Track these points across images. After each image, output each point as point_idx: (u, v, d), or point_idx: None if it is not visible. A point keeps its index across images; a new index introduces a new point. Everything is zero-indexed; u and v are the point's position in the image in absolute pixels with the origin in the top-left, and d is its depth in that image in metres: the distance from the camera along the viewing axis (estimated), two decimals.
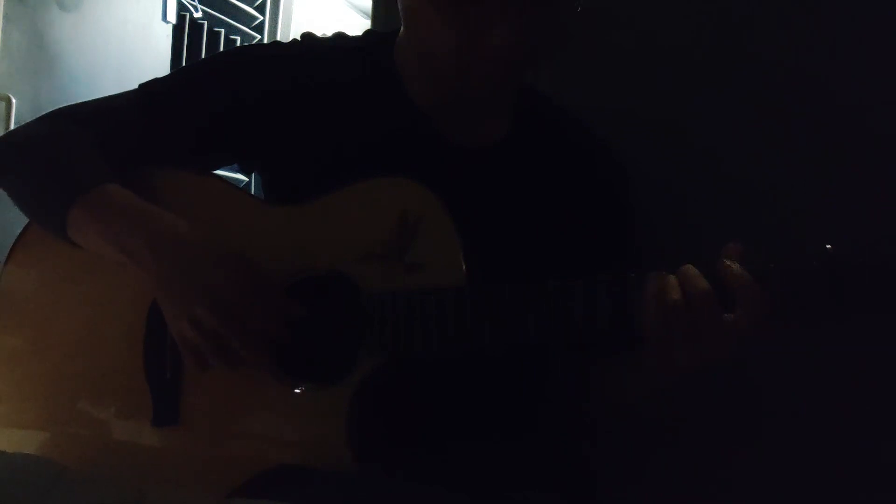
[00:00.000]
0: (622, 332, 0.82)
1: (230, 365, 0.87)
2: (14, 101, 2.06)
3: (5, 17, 2.07)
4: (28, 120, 1.06)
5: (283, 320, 0.88)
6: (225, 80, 1.01)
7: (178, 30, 2.79)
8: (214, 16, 3.08)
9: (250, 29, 3.29)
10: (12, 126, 2.06)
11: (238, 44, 3.21)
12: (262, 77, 1.00)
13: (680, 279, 0.79)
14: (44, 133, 1.01)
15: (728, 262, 0.79)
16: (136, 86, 1.04)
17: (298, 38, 1.07)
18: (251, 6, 3.29)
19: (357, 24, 3.75)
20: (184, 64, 2.82)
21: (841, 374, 1.14)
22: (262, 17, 3.33)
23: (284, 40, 1.12)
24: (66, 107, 1.04)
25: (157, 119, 1.00)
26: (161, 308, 0.89)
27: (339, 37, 1.08)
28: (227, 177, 2.60)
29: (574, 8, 0.92)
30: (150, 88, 1.03)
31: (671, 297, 0.78)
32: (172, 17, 2.73)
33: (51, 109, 1.05)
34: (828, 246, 0.79)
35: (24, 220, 1.02)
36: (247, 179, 2.97)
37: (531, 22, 0.87)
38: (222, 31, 3.06)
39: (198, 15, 2.93)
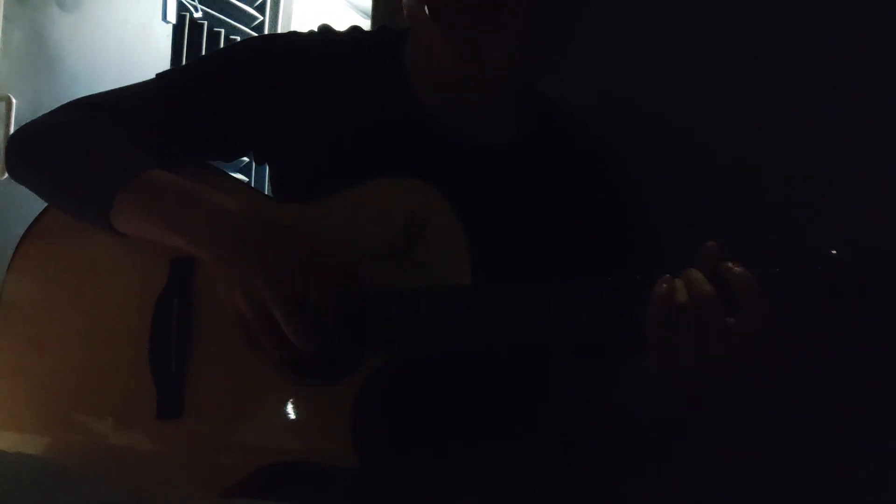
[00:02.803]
0: (625, 334, 0.82)
1: (275, 347, 0.84)
2: (14, 101, 2.06)
3: (5, 17, 2.07)
4: (27, 120, 1.06)
5: (335, 305, 0.85)
6: (241, 70, 1.02)
7: (178, 30, 2.78)
8: (214, 16, 3.08)
9: (250, 29, 3.29)
10: (12, 126, 2.06)
11: None
12: (276, 67, 1.00)
13: (685, 282, 0.79)
14: (70, 123, 1.00)
15: (730, 265, 0.79)
16: (146, 80, 1.05)
17: (316, 30, 1.08)
18: (251, 6, 3.29)
19: (357, 24, 3.73)
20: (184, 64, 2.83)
21: (841, 374, 1.14)
22: (262, 17, 3.32)
23: None
24: (82, 98, 1.04)
25: (175, 109, 1.00)
26: (220, 283, 0.86)
27: (355, 30, 1.09)
28: None
29: (572, 31, 0.93)
30: (168, 79, 1.04)
31: (678, 299, 0.78)
32: (172, 17, 2.72)
33: (50, 109, 1.05)
34: (833, 251, 0.79)
35: (26, 221, 1.02)
36: (247, 180, 2.97)
37: (530, 45, 0.89)
38: (222, 31, 3.06)
39: (198, 15, 2.93)
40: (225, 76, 1.02)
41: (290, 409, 0.90)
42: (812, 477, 1.14)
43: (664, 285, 0.79)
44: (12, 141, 1.04)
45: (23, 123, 1.07)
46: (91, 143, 0.97)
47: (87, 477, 0.88)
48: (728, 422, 1.18)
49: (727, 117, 1.23)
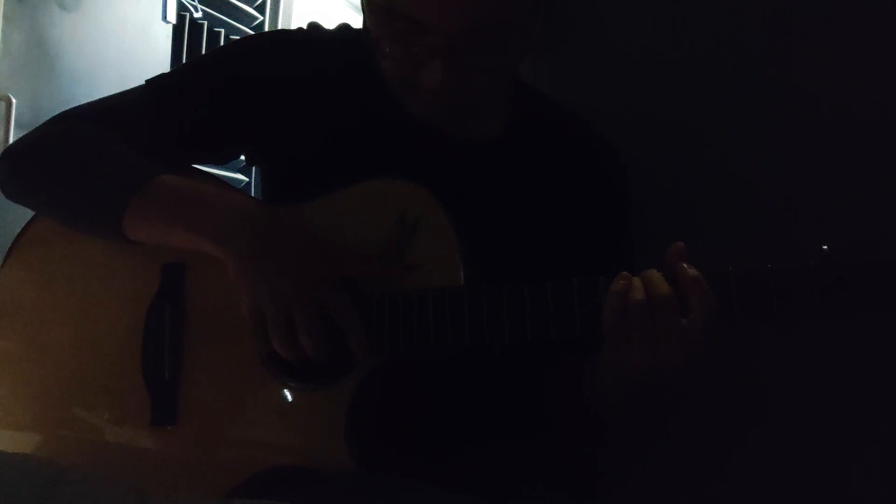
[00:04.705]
0: (593, 334, 0.83)
1: (288, 349, 0.84)
2: (14, 101, 2.05)
3: (5, 17, 2.07)
4: (27, 120, 1.06)
5: (355, 311, 0.85)
6: (229, 69, 1.02)
7: (178, 30, 2.79)
8: (214, 16, 3.08)
9: (250, 29, 3.29)
10: (12, 126, 2.06)
11: None
12: (263, 66, 1.01)
13: (644, 282, 0.81)
14: (67, 133, 0.99)
15: (685, 266, 0.80)
16: (135, 86, 1.05)
17: (304, 27, 1.08)
18: (251, 6, 3.29)
19: (357, 24, 3.73)
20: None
21: (841, 374, 1.14)
22: (262, 17, 3.33)
23: None
24: (71, 109, 1.03)
25: (166, 112, 1.00)
26: (243, 281, 0.85)
27: (344, 28, 1.09)
28: (226, 177, 2.60)
29: (516, 48, 0.93)
30: (157, 84, 1.04)
31: (634, 296, 0.80)
32: (172, 17, 2.72)
33: (50, 109, 1.04)
34: (826, 251, 0.80)
35: (24, 221, 1.02)
36: (247, 180, 2.98)
37: (458, 65, 0.89)
38: (222, 31, 3.06)
39: (198, 15, 2.93)
40: (213, 76, 1.02)
41: (284, 414, 0.90)
42: (812, 477, 1.14)
43: (621, 282, 0.81)
44: (5, 159, 1.02)
45: (23, 124, 1.06)
46: (95, 151, 0.96)
47: (87, 477, 0.88)
48: (728, 422, 1.18)
49: (727, 117, 1.23)
